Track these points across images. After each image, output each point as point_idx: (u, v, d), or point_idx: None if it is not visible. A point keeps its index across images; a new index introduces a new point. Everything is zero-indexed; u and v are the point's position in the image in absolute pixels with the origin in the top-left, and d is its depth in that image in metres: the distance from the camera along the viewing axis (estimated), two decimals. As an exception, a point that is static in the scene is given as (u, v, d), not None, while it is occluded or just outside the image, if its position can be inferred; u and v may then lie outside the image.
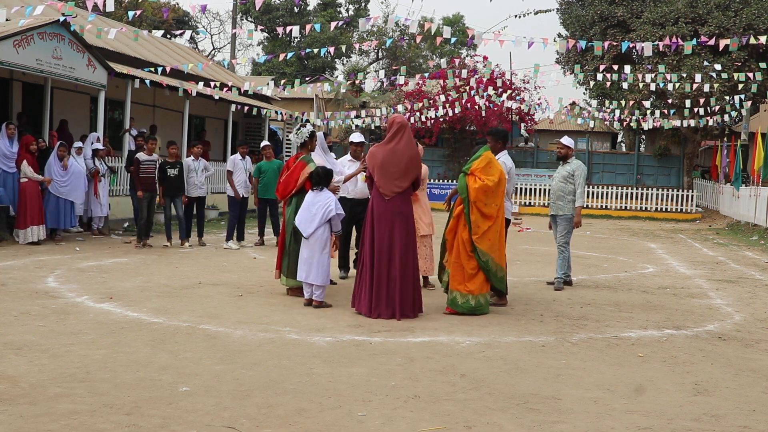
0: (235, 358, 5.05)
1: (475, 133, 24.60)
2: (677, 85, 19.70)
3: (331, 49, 15.20)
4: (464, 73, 18.83)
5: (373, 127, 24.80)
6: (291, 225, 7.44)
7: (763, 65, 15.68)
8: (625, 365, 5.27)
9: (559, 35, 25.08)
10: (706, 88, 18.14)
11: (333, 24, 14.53)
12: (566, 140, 9.13)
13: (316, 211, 6.97)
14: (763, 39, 12.71)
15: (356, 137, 9.08)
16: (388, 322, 6.38)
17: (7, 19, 10.12)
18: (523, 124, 27.06)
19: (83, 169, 12.17)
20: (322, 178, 7.13)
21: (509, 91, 23.25)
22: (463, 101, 22.49)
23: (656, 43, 14.91)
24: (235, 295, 7.49)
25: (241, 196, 11.93)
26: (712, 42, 13.29)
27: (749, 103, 21.55)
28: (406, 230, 6.68)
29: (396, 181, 6.64)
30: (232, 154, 13.20)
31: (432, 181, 25.29)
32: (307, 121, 20.27)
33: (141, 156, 11.34)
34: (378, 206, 6.70)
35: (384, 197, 6.66)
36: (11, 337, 5.39)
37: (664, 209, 24.49)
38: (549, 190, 10.70)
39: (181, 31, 13.84)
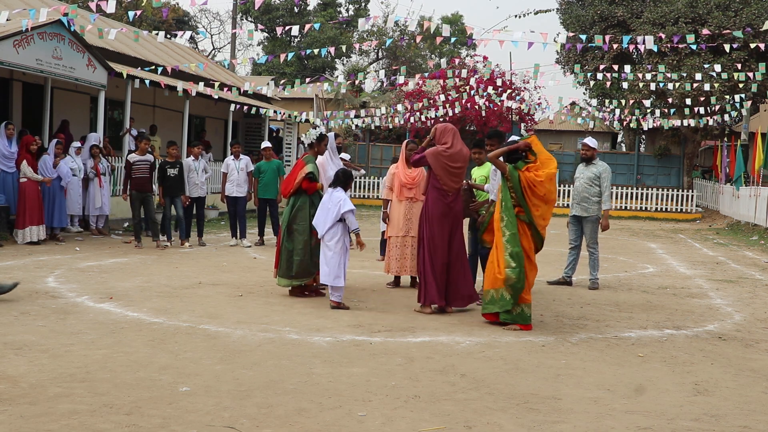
0: (235, 358, 5.05)
1: (475, 133, 24.58)
2: (677, 84, 19.69)
3: (331, 49, 15.17)
4: (464, 72, 18.80)
5: (373, 127, 24.81)
6: (285, 224, 7.47)
7: (763, 65, 15.67)
8: (625, 365, 5.27)
9: (559, 35, 25.06)
10: (706, 87, 18.13)
11: (332, 21, 14.47)
12: (591, 141, 9.03)
13: (330, 208, 7.00)
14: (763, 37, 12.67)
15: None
16: (389, 322, 6.38)
17: (7, 20, 10.11)
18: (523, 124, 27.06)
19: (79, 169, 12.31)
20: (341, 180, 7.14)
21: (509, 91, 23.23)
22: (463, 101, 22.47)
23: (658, 36, 14.90)
24: (235, 295, 7.49)
25: (225, 196, 12.13)
26: (714, 42, 13.28)
27: (749, 103, 21.54)
28: (460, 225, 7.15)
29: (457, 179, 7.07)
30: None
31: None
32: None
33: (132, 157, 11.34)
34: (440, 205, 6.97)
35: (446, 195, 6.98)
36: (11, 337, 5.39)
37: (664, 209, 24.48)
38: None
39: (182, 32, 13.79)
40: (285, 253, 7.44)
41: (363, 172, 12.49)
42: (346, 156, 11.82)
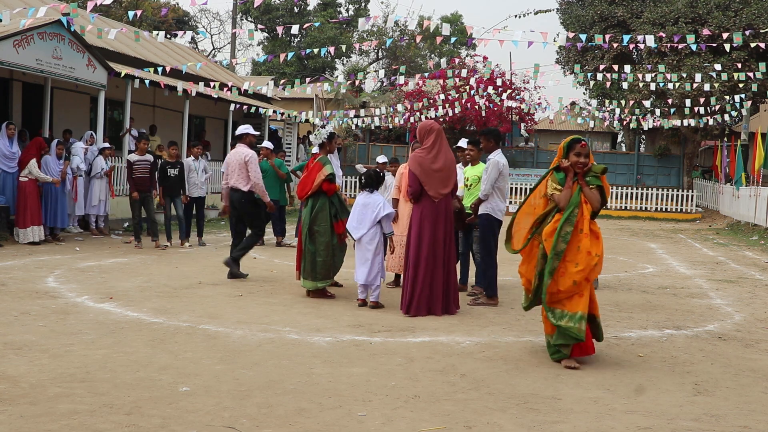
0: (235, 358, 5.05)
1: (475, 134, 24.60)
2: (677, 84, 19.69)
3: (331, 49, 15.16)
4: (464, 72, 18.81)
5: (373, 127, 24.81)
6: (306, 226, 7.44)
7: (763, 65, 15.68)
8: (625, 365, 5.27)
9: (559, 35, 25.07)
10: (707, 87, 18.15)
11: (332, 21, 14.46)
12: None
13: (367, 213, 7.00)
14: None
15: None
16: (389, 322, 6.38)
17: (10, 20, 10.12)
18: (523, 124, 27.06)
19: (84, 170, 12.35)
20: (373, 181, 7.12)
21: (509, 91, 23.25)
22: (463, 101, 22.49)
23: (658, 35, 14.88)
24: (235, 295, 7.48)
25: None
26: (714, 43, 13.29)
27: (749, 103, 21.55)
28: (450, 231, 6.92)
29: (442, 185, 6.83)
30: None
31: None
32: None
33: (132, 157, 11.36)
34: (426, 209, 6.80)
35: (433, 200, 6.81)
36: (11, 337, 5.39)
37: (664, 209, 24.48)
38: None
39: (182, 32, 13.78)
40: (308, 255, 7.40)
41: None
42: (381, 158, 11.55)
